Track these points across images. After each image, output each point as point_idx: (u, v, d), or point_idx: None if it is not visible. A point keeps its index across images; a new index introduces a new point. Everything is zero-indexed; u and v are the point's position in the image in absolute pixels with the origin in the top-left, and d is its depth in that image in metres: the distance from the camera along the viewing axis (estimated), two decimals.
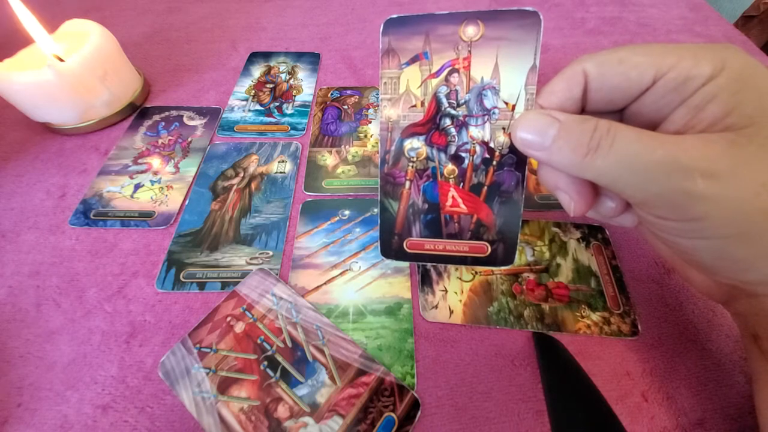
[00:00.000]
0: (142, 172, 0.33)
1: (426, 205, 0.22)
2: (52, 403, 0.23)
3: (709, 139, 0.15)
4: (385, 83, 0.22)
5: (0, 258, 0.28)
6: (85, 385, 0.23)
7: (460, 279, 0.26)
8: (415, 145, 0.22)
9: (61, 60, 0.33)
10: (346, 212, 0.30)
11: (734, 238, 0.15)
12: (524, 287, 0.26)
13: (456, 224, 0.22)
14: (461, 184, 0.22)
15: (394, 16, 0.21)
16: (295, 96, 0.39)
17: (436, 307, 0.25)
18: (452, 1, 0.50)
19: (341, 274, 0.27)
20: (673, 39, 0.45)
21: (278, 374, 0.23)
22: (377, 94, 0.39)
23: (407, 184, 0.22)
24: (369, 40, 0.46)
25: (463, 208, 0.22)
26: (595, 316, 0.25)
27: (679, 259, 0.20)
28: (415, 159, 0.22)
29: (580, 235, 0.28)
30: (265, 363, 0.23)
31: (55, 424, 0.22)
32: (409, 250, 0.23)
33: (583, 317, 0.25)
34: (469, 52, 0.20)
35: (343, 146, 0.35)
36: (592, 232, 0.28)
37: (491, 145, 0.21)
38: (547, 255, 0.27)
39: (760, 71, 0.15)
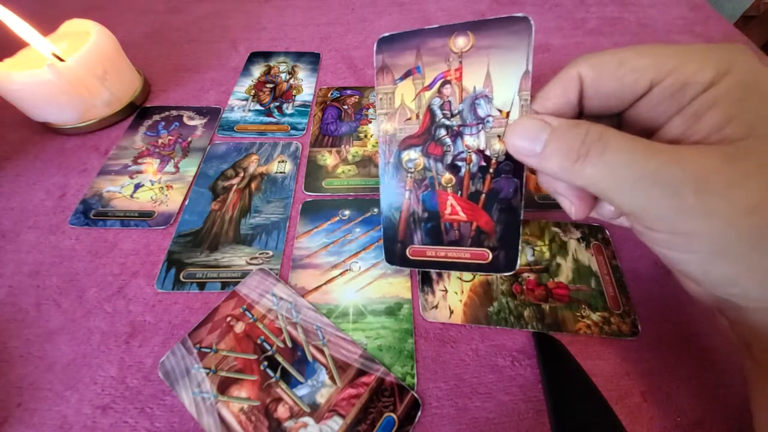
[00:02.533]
0: (142, 171, 0.33)
1: (426, 214, 0.23)
2: (52, 403, 0.23)
3: (705, 151, 0.14)
4: (381, 99, 0.22)
5: (0, 258, 0.28)
6: (84, 386, 0.23)
7: (460, 279, 0.26)
8: (413, 156, 0.22)
9: (61, 60, 0.33)
10: (346, 212, 0.30)
11: (721, 255, 0.15)
12: (524, 287, 0.26)
13: (456, 232, 0.23)
14: (459, 192, 0.22)
15: (386, 34, 0.21)
16: (295, 96, 0.39)
17: (436, 307, 0.25)
18: (453, 1, 0.50)
19: (341, 274, 0.27)
20: (673, 39, 0.45)
21: (278, 374, 0.23)
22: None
23: (406, 194, 0.23)
24: (369, 40, 0.46)
25: (462, 215, 0.22)
26: (595, 316, 0.25)
27: (670, 266, 0.20)
28: (413, 169, 0.23)
29: (580, 235, 0.28)
30: (265, 363, 0.23)
31: (55, 424, 0.22)
32: (411, 257, 0.23)
33: (583, 317, 0.25)
34: (460, 62, 0.20)
35: (343, 146, 0.35)
36: (592, 232, 0.28)
37: (487, 153, 0.21)
38: (547, 255, 0.27)
39: (765, 77, 0.14)
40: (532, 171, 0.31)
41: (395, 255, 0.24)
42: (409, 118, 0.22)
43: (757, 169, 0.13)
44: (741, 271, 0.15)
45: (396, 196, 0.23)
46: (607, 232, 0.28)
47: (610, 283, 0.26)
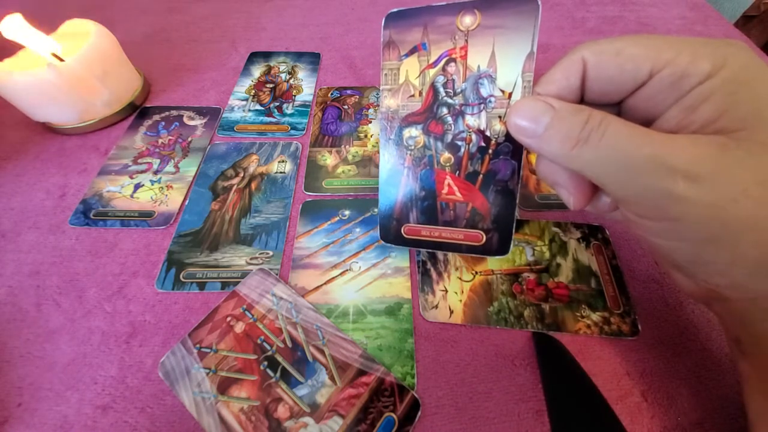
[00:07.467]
0: (142, 171, 0.33)
1: (423, 192, 0.23)
2: (52, 403, 0.23)
3: (698, 140, 0.15)
4: (385, 74, 0.22)
5: (0, 258, 0.28)
6: (85, 385, 0.23)
7: (460, 279, 0.26)
8: (413, 133, 0.22)
9: (61, 60, 0.33)
10: (346, 212, 0.30)
11: (708, 243, 0.15)
12: (524, 287, 0.26)
13: (452, 212, 0.23)
14: (457, 172, 0.22)
15: (395, 9, 0.21)
16: (295, 96, 0.39)
17: (436, 307, 0.25)
18: None
19: (341, 274, 0.27)
20: None
21: (278, 374, 0.23)
22: (377, 95, 0.39)
23: (405, 171, 0.23)
24: (369, 40, 0.46)
25: (458, 195, 0.22)
26: (595, 316, 0.25)
27: (660, 257, 0.20)
28: (413, 147, 0.23)
29: (580, 234, 0.28)
30: (265, 363, 0.23)
31: (55, 424, 0.22)
32: (406, 236, 0.24)
33: (583, 317, 0.25)
34: (466, 41, 0.20)
35: (343, 146, 0.35)
36: (592, 232, 0.28)
37: (487, 133, 0.21)
38: (547, 255, 0.27)
39: (760, 72, 0.15)
40: (532, 171, 0.31)
41: (390, 233, 0.24)
42: (413, 95, 0.22)
43: (745, 159, 0.14)
44: (728, 260, 0.15)
45: (394, 173, 0.23)
46: (607, 231, 0.28)
47: (610, 283, 0.26)
